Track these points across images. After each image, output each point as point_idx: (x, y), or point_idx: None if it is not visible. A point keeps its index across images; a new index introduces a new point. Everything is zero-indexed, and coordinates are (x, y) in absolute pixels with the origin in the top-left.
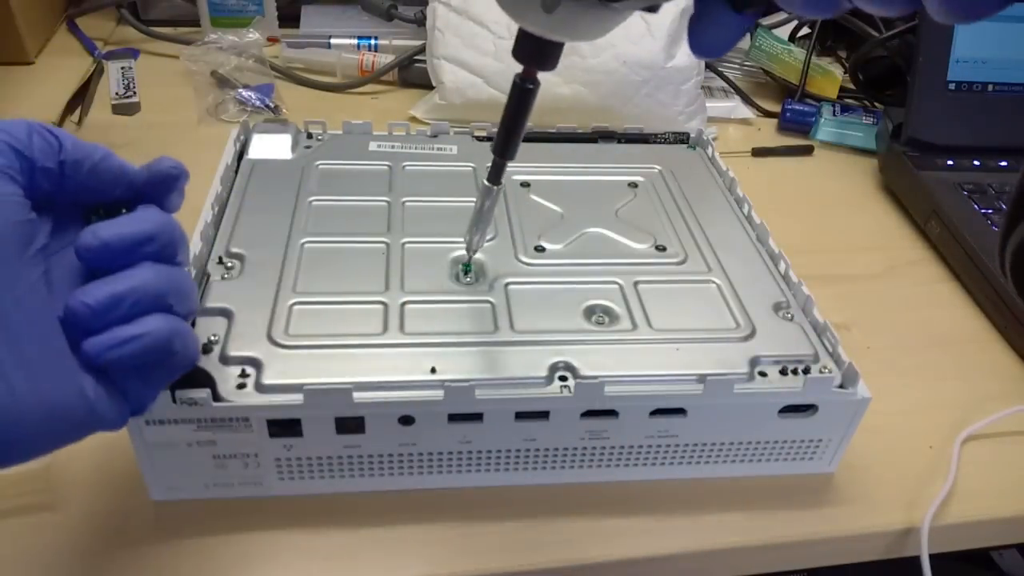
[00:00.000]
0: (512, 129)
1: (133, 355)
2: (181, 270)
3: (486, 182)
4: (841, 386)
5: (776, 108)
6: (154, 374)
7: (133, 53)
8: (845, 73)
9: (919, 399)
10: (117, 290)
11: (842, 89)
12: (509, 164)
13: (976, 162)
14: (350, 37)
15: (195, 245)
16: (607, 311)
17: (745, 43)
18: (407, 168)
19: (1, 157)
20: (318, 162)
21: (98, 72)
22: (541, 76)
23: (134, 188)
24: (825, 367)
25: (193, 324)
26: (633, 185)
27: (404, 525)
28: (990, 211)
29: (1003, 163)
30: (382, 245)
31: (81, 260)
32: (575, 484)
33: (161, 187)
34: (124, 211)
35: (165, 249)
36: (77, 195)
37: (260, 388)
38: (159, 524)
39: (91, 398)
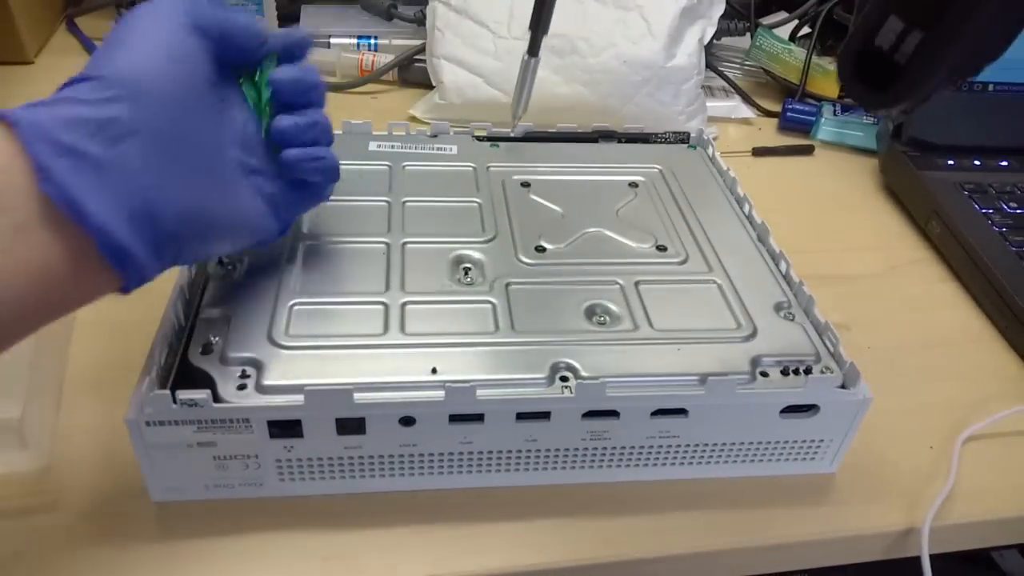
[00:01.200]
0: (543, 3)
1: (316, 169)
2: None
3: (526, 54)
4: (842, 386)
5: (777, 108)
6: (303, 201)
7: None
8: None
9: (920, 399)
10: (311, 119)
11: (843, 89)
12: (508, 163)
13: (977, 162)
14: (350, 36)
15: None
16: (608, 311)
17: (745, 43)
18: (407, 168)
19: (188, 16)
20: None
21: None
22: (540, 75)
23: (278, 50)
24: (826, 367)
25: (196, 318)
26: (634, 185)
27: (405, 526)
28: (991, 211)
29: (1004, 163)
30: (382, 245)
31: (279, 93)
32: (576, 485)
33: (297, 50)
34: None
35: (322, 97)
36: (234, 56)
37: (260, 389)
38: (159, 525)
39: (264, 213)
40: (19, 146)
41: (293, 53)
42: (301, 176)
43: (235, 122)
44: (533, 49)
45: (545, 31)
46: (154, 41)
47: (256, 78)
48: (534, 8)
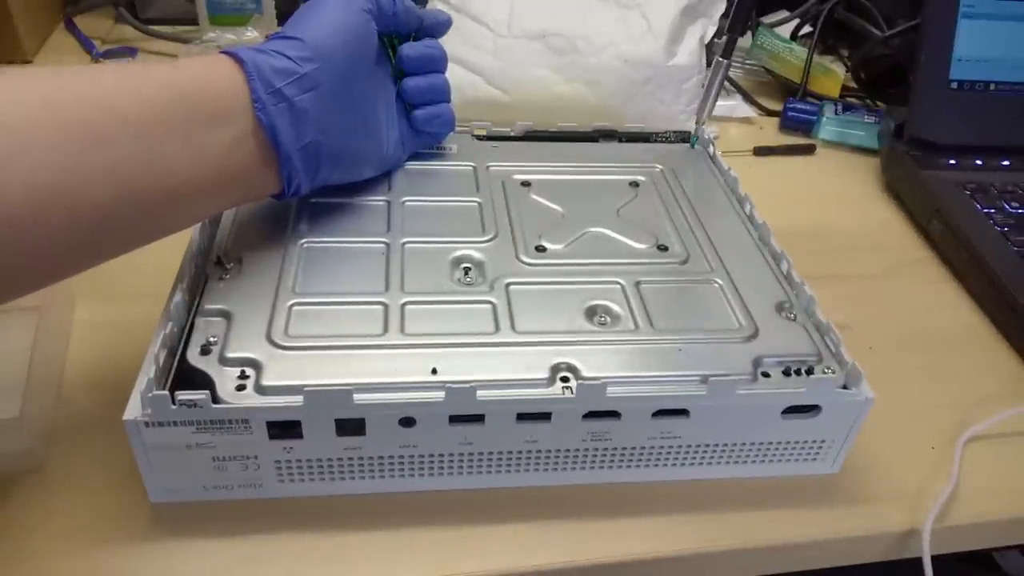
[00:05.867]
0: (742, 5)
1: (435, 125)
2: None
3: (719, 57)
4: (844, 387)
5: (778, 107)
6: (424, 144)
7: (131, 52)
8: (847, 72)
9: (921, 400)
10: (432, 82)
11: (844, 88)
12: (508, 163)
13: (978, 161)
14: None
15: (193, 246)
16: (609, 311)
17: (747, 42)
18: (407, 167)
19: (367, 2)
20: None
21: None
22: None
23: (420, 26)
24: (828, 367)
25: (195, 318)
26: (634, 184)
27: (405, 527)
28: (992, 210)
29: (1005, 162)
30: (382, 245)
31: (407, 64)
32: (577, 485)
33: (436, 28)
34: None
35: (444, 64)
36: (392, 32)
37: (260, 390)
38: (158, 526)
39: (395, 152)
40: (243, 79)
41: (436, 32)
42: (424, 129)
43: (384, 83)
44: (727, 52)
45: (742, 33)
46: (343, 17)
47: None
48: (734, 11)
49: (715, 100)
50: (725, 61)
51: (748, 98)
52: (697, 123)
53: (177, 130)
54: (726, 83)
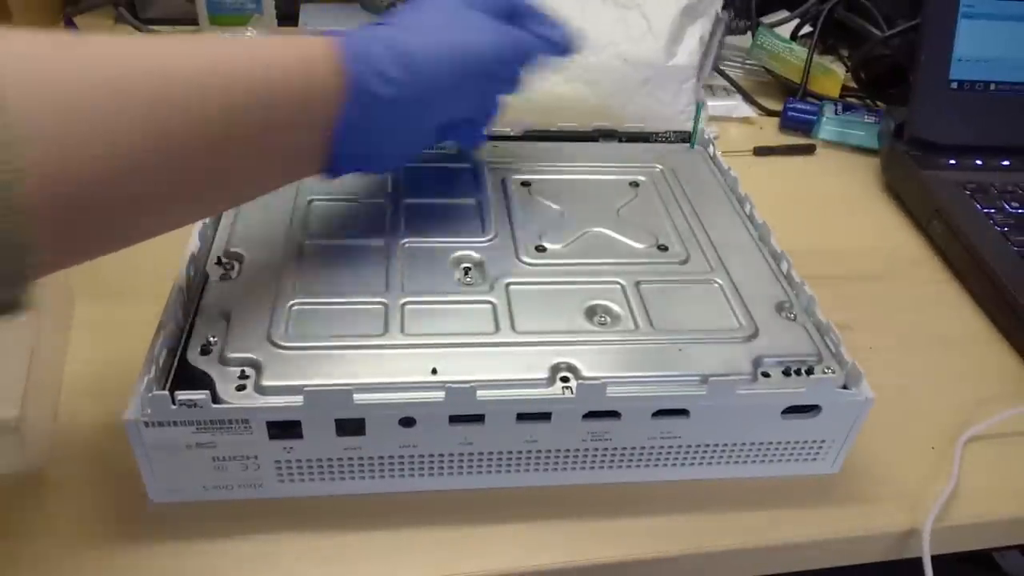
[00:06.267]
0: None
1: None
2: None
3: (719, 11)
4: (844, 387)
5: (778, 107)
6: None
7: None
8: (847, 72)
9: (921, 400)
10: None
11: (844, 88)
12: (508, 163)
13: (978, 161)
14: None
15: (193, 245)
16: (609, 311)
17: (747, 41)
18: (407, 167)
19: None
20: None
21: None
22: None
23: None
24: (828, 367)
25: (195, 318)
26: (634, 184)
27: (405, 527)
28: (992, 210)
29: (1005, 162)
30: (382, 245)
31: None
32: (577, 485)
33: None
34: None
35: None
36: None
37: (260, 390)
38: (158, 526)
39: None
40: (339, 97)
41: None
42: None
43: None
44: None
45: None
46: (464, 42)
47: None
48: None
49: (714, 57)
50: (724, 15)
51: (748, 98)
52: (697, 81)
53: (256, 128)
54: (726, 83)
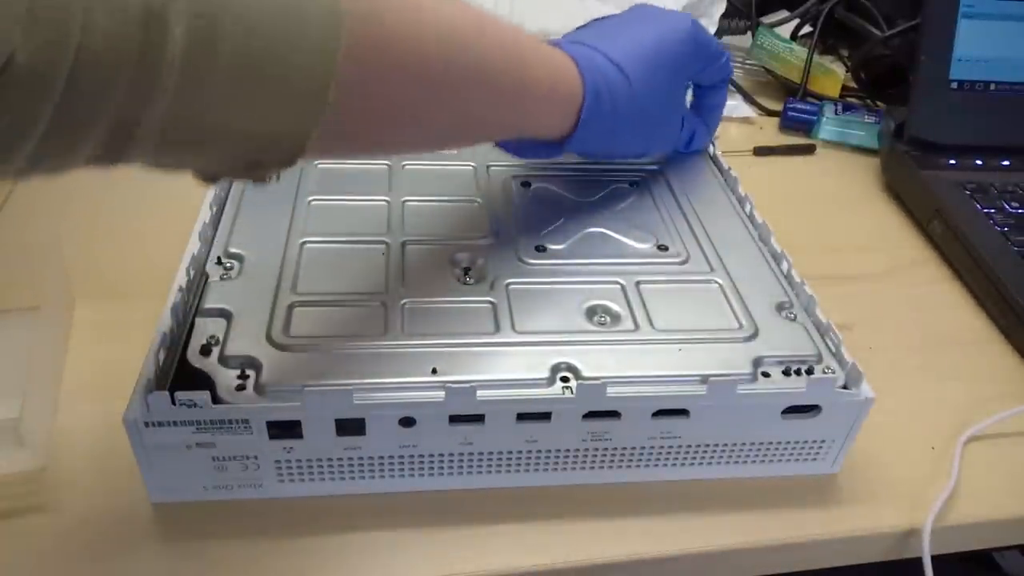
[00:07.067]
0: None
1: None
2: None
3: None
4: (844, 386)
5: (778, 107)
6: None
7: None
8: (847, 72)
9: (921, 400)
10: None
11: (844, 88)
12: (508, 163)
13: (978, 161)
14: None
15: (193, 245)
16: (609, 311)
17: (747, 41)
18: (407, 167)
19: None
20: (317, 161)
21: None
22: None
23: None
24: (828, 367)
25: (195, 318)
26: (634, 184)
27: (405, 527)
28: (993, 210)
29: (1005, 162)
30: (382, 245)
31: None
32: (577, 485)
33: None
34: None
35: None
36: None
37: (259, 390)
38: (157, 526)
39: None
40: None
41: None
42: (687, 150)
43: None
44: None
45: None
46: (669, 44)
47: None
48: None
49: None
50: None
51: (748, 98)
52: None
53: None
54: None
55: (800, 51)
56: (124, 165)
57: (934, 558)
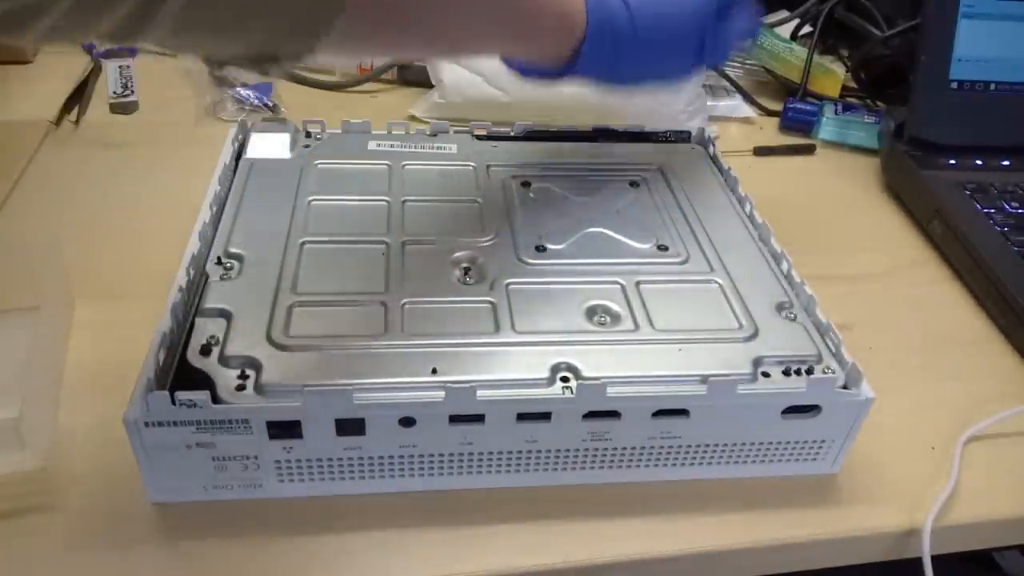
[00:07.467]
0: None
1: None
2: None
3: None
4: (844, 387)
5: (778, 107)
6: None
7: (131, 52)
8: (847, 72)
9: (921, 400)
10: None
11: (844, 88)
12: (508, 161)
13: (978, 161)
14: None
15: (193, 245)
16: (609, 311)
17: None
18: (407, 167)
19: None
20: (317, 161)
21: (96, 71)
22: None
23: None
24: (828, 367)
25: (195, 318)
26: (634, 184)
27: (405, 527)
28: (992, 210)
29: (1005, 162)
30: (382, 245)
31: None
32: (577, 485)
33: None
34: None
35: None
36: None
37: (259, 390)
38: (157, 526)
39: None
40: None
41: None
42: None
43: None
44: None
45: None
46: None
47: None
48: None
49: None
50: None
51: (748, 98)
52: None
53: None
54: (726, 83)
55: (800, 51)
56: (136, 43)
57: (934, 558)
